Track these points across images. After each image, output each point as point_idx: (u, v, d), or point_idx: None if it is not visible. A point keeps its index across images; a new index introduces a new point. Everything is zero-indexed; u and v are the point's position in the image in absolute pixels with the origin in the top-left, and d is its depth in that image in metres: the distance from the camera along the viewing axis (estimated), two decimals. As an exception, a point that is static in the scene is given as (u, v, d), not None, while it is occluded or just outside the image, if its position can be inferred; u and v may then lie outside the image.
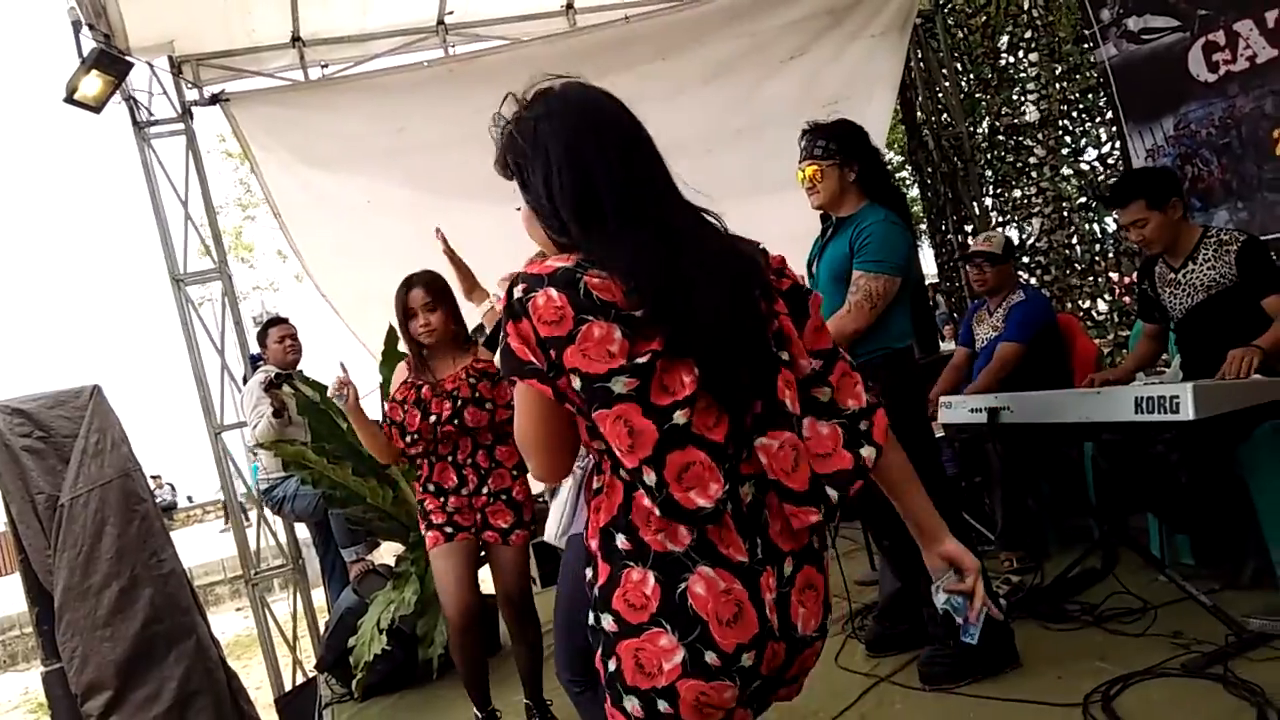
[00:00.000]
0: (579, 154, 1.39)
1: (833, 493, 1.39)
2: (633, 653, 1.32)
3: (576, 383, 1.30)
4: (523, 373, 1.33)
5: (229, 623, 10.76)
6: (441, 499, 3.25)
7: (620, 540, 1.35)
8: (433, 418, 3.16)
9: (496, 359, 1.51)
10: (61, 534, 4.17)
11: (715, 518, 1.32)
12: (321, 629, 5.14)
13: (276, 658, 5.34)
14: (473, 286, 3.06)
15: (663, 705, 1.32)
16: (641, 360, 1.30)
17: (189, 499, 23.33)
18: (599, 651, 1.38)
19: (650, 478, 1.30)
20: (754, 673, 1.33)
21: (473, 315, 3.16)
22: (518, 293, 1.34)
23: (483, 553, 3.38)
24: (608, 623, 1.35)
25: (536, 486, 4.18)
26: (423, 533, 3.33)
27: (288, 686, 5.23)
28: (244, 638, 9.61)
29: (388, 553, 5.09)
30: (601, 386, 1.29)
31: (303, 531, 5.45)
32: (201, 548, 14.38)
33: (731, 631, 1.31)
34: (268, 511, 5.21)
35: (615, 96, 1.47)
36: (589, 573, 1.40)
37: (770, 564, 1.36)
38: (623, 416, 1.29)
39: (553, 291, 1.31)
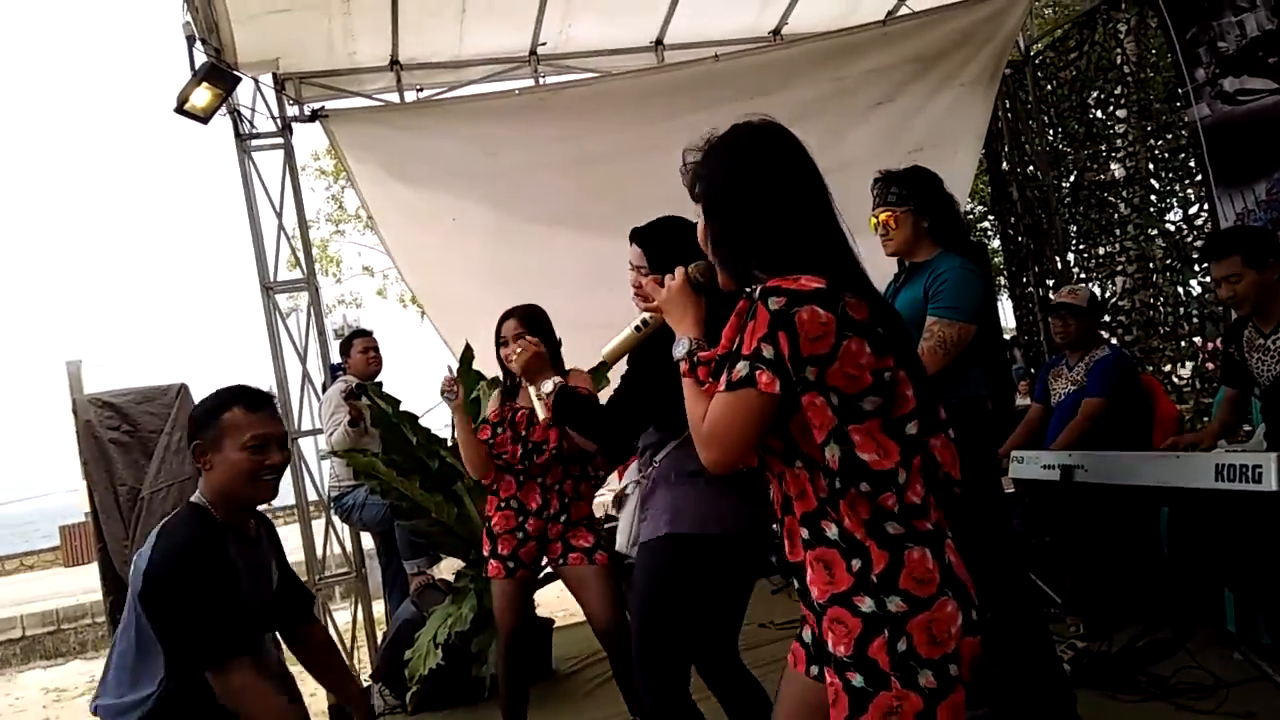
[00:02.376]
0: (790, 187, 1.61)
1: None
2: (925, 626, 1.45)
3: (834, 399, 1.49)
4: (755, 381, 1.47)
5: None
6: (521, 518, 3.32)
7: (892, 527, 1.49)
8: (530, 445, 3.28)
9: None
10: (140, 526, 4.32)
11: (925, 511, 1.52)
12: (379, 639, 5.22)
13: (334, 664, 5.42)
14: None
15: (953, 669, 1.45)
16: (886, 375, 1.51)
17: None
18: (881, 637, 1.46)
19: (902, 477, 1.51)
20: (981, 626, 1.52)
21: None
22: (775, 305, 1.48)
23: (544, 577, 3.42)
24: (895, 604, 1.46)
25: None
26: (484, 553, 3.41)
27: (342, 693, 5.30)
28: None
29: (449, 568, 5.16)
30: (856, 405, 1.49)
31: (368, 542, 5.55)
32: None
33: (972, 590, 1.52)
34: (336, 519, 5.32)
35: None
36: (856, 563, 1.50)
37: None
38: (870, 431, 1.50)
39: (818, 309, 1.47)
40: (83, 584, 14.31)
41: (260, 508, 2.45)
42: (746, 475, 2.36)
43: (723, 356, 1.60)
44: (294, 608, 2.55)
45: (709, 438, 1.55)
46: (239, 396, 2.30)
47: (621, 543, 2.61)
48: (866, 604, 1.47)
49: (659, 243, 2.48)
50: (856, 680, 1.46)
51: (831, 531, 1.52)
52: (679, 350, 1.69)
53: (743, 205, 1.61)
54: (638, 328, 1.95)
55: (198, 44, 4.89)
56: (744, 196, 1.61)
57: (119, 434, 4.50)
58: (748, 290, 1.62)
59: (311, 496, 5.50)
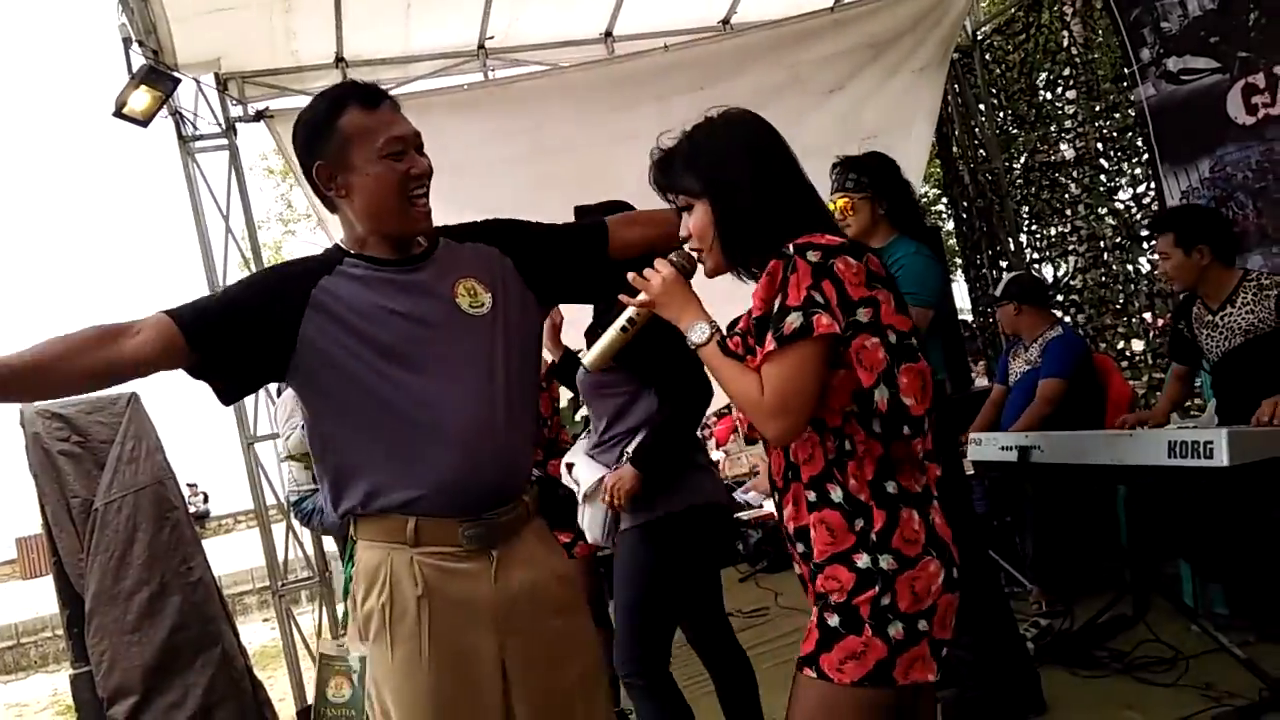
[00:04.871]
0: (782, 162, 1.66)
1: None
2: (909, 584, 1.51)
3: (892, 337, 1.52)
4: (813, 327, 1.48)
5: (256, 633, 10.79)
6: None
7: (890, 486, 1.55)
8: None
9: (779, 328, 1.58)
10: (94, 538, 4.22)
11: (925, 466, 1.59)
12: (345, 643, 5.15)
13: (300, 670, 5.36)
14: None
15: (922, 624, 1.51)
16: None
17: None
18: (871, 591, 1.51)
19: (926, 425, 1.56)
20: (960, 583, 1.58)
21: None
22: (814, 257, 1.51)
23: None
24: (887, 562, 1.52)
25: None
26: None
27: (310, 700, 5.25)
28: (270, 648, 9.64)
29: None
30: (909, 343, 1.55)
31: (330, 545, 5.48)
32: (232, 557, 14.46)
33: (955, 548, 1.57)
34: (296, 523, 5.25)
35: None
36: (859, 523, 1.54)
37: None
38: (922, 371, 1.56)
39: (850, 259, 1.52)
40: (40, 598, 14.04)
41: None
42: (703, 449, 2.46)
43: (760, 319, 1.57)
44: (580, 243, 1.98)
45: (775, 407, 1.51)
46: (348, 94, 1.77)
47: (597, 535, 2.67)
48: (863, 560, 1.53)
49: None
50: (833, 620, 1.52)
51: (836, 494, 1.56)
52: (698, 336, 1.63)
53: (758, 177, 1.63)
54: (624, 328, 1.78)
55: (135, 45, 4.78)
56: (755, 169, 1.63)
57: (69, 445, 4.39)
58: (780, 251, 1.58)
59: (271, 501, 5.43)
